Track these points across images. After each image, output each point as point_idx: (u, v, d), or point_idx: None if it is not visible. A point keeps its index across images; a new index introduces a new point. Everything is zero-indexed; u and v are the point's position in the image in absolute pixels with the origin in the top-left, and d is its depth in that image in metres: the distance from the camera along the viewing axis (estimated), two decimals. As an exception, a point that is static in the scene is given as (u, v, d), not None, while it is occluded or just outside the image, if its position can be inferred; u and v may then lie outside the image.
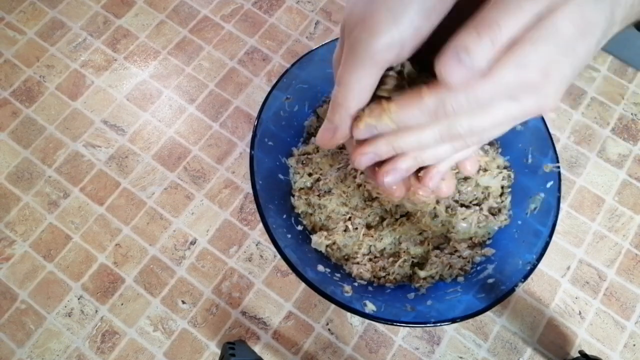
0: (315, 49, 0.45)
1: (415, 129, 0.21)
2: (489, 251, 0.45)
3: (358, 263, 0.46)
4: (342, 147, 0.51)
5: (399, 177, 0.24)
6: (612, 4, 0.18)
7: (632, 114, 0.59)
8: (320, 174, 0.49)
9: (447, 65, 0.18)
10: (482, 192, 0.47)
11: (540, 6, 0.17)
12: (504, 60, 0.18)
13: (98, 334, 0.50)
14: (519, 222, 0.45)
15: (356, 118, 0.22)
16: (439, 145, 0.22)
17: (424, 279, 0.45)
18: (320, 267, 0.44)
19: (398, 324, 0.38)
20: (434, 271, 0.44)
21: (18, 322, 0.50)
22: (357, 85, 0.21)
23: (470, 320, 0.51)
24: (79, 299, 0.51)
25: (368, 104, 0.22)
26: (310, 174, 0.49)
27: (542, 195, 0.42)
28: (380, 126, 0.21)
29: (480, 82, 0.18)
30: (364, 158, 0.24)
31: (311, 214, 0.48)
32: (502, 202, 0.47)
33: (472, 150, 0.25)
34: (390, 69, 0.22)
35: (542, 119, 0.43)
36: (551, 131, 0.46)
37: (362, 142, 0.23)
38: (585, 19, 0.17)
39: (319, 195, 0.48)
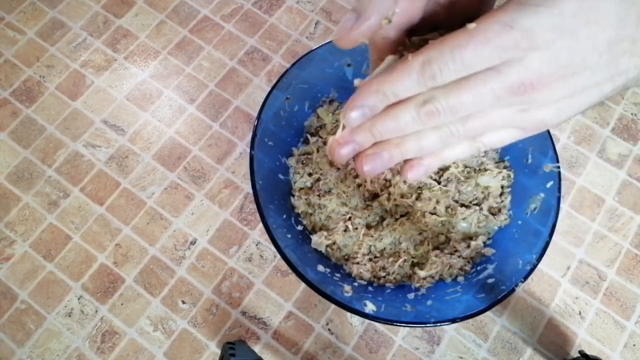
0: (315, 49, 0.45)
1: (394, 112, 0.20)
2: (489, 251, 0.45)
3: (358, 263, 0.46)
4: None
5: (379, 165, 0.23)
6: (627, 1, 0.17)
7: (632, 114, 0.59)
8: (320, 174, 0.49)
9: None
10: (482, 192, 0.47)
11: None
12: (491, 14, 0.18)
13: (98, 334, 0.50)
14: (519, 222, 0.45)
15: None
16: (420, 132, 0.21)
17: (424, 279, 0.45)
18: (320, 267, 0.44)
19: (398, 324, 0.38)
20: (434, 271, 0.44)
21: (18, 322, 0.50)
22: None
23: (470, 320, 0.51)
24: (79, 299, 0.51)
25: None
26: (310, 174, 0.49)
27: (542, 195, 0.42)
28: (368, 101, 0.20)
29: (464, 38, 0.18)
30: (343, 150, 0.22)
31: (311, 214, 0.48)
32: (502, 202, 0.47)
33: (465, 151, 0.23)
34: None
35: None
36: (551, 131, 0.46)
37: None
38: (588, 1, 0.17)
39: (319, 195, 0.48)
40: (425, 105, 0.19)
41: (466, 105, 0.19)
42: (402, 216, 0.48)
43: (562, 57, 0.18)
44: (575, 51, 0.18)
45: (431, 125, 0.20)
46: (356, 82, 0.22)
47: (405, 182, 0.46)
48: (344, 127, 0.22)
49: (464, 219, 0.46)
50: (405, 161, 0.24)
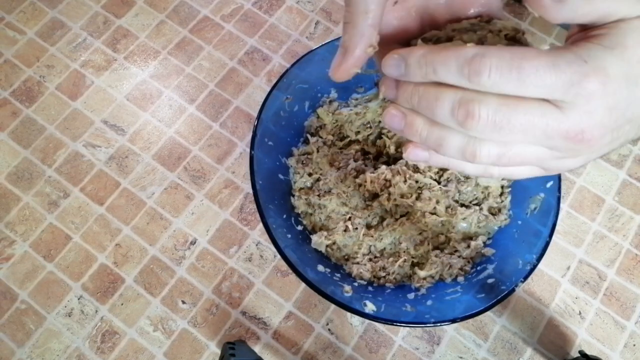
0: (315, 49, 0.45)
1: (438, 91, 0.19)
2: (489, 251, 0.45)
3: (358, 263, 0.46)
4: (342, 147, 0.51)
5: (397, 126, 0.21)
6: None
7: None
8: (320, 174, 0.49)
9: None
10: (482, 192, 0.47)
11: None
12: (566, 47, 0.17)
13: (98, 334, 0.50)
14: (519, 222, 0.45)
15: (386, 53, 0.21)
16: (447, 130, 0.19)
17: (424, 279, 0.45)
18: (320, 267, 0.44)
19: (398, 324, 0.38)
20: (434, 271, 0.44)
21: (18, 322, 0.50)
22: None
23: (470, 320, 0.51)
24: (79, 299, 0.51)
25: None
26: (310, 174, 0.49)
27: (542, 195, 0.42)
28: (411, 60, 0.19)
29: (530, 53, 0.16)
30: (390, 116, 0.21)
31: (311, 214, 0.48)
32: (502, 202, 0.47)
33: (475, 171, 0.22)
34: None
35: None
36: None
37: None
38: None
39: (319, 195, 0.48)
40: (470, 103, 0.17)
41: (512, 129, 0.17)
42: (402, 216, 0.48)
43: (621, 107, 0.17)
44: (630, 102, 0.17)
45: (462, 129, 0.18)
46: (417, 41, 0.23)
47: (405, 181, 0.46)
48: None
49: (464, 219, 0.46)
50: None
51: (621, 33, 0.17)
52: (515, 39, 0.23)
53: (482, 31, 0.24)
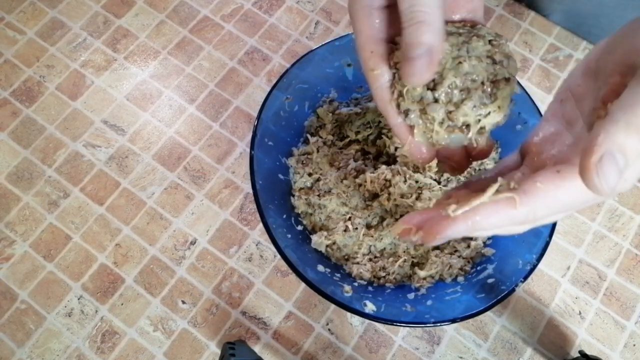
0: (315, 49, 0.45)
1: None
2: (489, 251, 0.45)
3: (358, 263, 0.46)
4: (342, 147, 0.51)
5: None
6: None
7: (632, 114, 0.59)
8: (320, 174, 0.49)
9: (603, 170, 0.16)
10: (482, 192, 0.47)
11: None
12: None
13: (98, 334, 0.50)
14: (519, 222, 0.44)
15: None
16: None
17: (424, 279, 0.45)
18: (320, 267, 0.44)
19: (398, 324, 0.38)
20: (434, 271, 0.44)
21: (18, 322, 0.50)
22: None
23: (470, 320, 0.51)
24: (79, 299, 0.51)
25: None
26: (310, 174, 0.49)
27: (542, 195, 0.42)
28: (459, 228, 0.21)
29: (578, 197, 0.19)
30: (438, 238, 0.22)
31: (311, 214, 0.48)
32: (502, 202, 0.47)
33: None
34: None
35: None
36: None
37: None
38: None
39: (319, 195, 0.48)
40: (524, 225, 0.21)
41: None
42: (402, 216, 0.48)
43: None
44: None
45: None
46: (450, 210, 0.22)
47: (405, 181, 0.46)
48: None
49: (464, 219, 0.46)
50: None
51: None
52: (495, 43, 0.25)
53: (467, 35, 0.25)
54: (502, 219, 0.20)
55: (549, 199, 0.19)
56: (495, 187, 0.21)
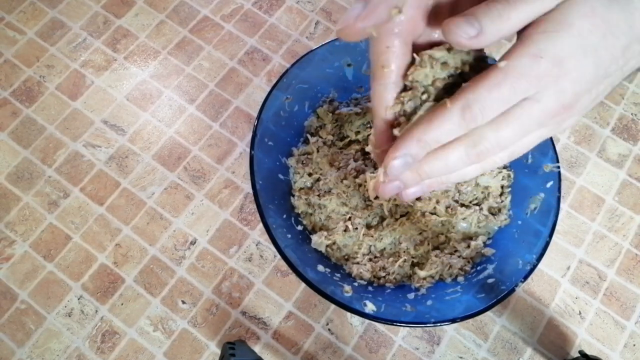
0: (315, 49, 0.45)
1: (443, 155, 0.21)
2: (489, 251, 0.45)
3: (358, 263, 0.46)
4: (342, 147, 0.51)
5: (420, 192, 0.24)
6: (629, 5, 0.18)
7: (632, 114, 0.59)
8: (320, 174, 0.49)
9: (454, 25, 0.18)
10: (482, 192, 0.47)
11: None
12: (518, 49, 0.18)
13: (98, 334, 0.50)
14: (519, 222, 0.45)
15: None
16: (467, 166, 0.22)
17: (424, 279, 0.45)
18: (320, 267, 0.44)
19: (398, 324, 0.38)
20: (434, 271, 0.44)
21: (18, 322, 0.50)
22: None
23: (470, 320, 0.51)
24: (79, 299, 0.51)
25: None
26: (310, 174, 0.49)
27: (542, 195, 0.42)
28: (412, 150, 0.21)
29: (498, 76, 0.19)
30: (388, 188, 0.23)
31: (311, 214, 0.48)
32: (502, 202, 0.47)
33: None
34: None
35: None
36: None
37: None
38: (599, 16, 0.18)
39: (319, 195, 0.48)
40: (477, 146, 0.20)
41: (513, 136, 0.20)
42: (402, 216, 0.48)
43: (589, 73, 0.19)
44: (598, 65, 0.19)
45: (477, 163, 0.22)
46: (395, 131, 0.23)
47: None
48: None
49: (464, 219, 0.46)
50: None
51: (562, 13, 0.18)
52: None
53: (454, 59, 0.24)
54: (444, 124, 0.20)
55: (472, 84, 0.19)
56: (429, 104, 0.22)
